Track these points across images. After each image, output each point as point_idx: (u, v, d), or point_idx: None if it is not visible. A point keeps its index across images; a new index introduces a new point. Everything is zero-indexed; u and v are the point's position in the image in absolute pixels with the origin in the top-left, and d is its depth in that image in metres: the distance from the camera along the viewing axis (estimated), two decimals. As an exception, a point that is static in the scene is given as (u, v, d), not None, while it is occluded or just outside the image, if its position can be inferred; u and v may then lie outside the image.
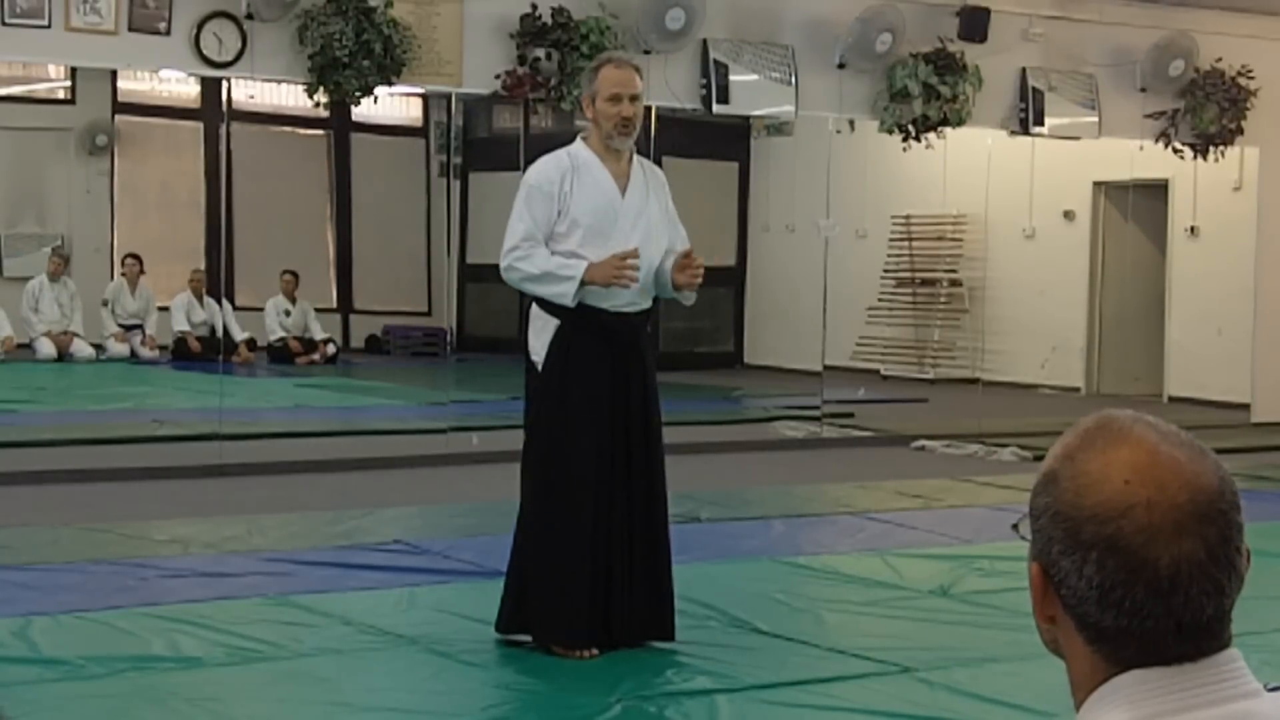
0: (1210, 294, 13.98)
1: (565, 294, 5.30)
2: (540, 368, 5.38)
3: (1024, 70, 11.62)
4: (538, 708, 4.83)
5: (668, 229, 5.55)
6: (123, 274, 15.94)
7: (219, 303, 15.00)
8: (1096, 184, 14.69)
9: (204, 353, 14.87)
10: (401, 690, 4.88)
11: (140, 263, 15.88)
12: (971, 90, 11.22)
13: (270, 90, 15.05)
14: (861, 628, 5.80)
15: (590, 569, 5.26)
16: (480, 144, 17.57)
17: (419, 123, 18.41)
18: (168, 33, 9.17)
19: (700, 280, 5.44)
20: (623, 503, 5.32)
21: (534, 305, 5.46)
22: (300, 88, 9.62)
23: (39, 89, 16.61)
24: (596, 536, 5.27)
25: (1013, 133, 11.89)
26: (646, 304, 5.48)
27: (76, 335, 15.53)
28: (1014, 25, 11.55)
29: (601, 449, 5.30)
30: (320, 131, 17.53)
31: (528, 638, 5.38)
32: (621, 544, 5.31)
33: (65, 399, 13.46)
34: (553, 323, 5.37)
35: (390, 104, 17.45)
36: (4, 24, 8.79)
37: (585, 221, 5.35)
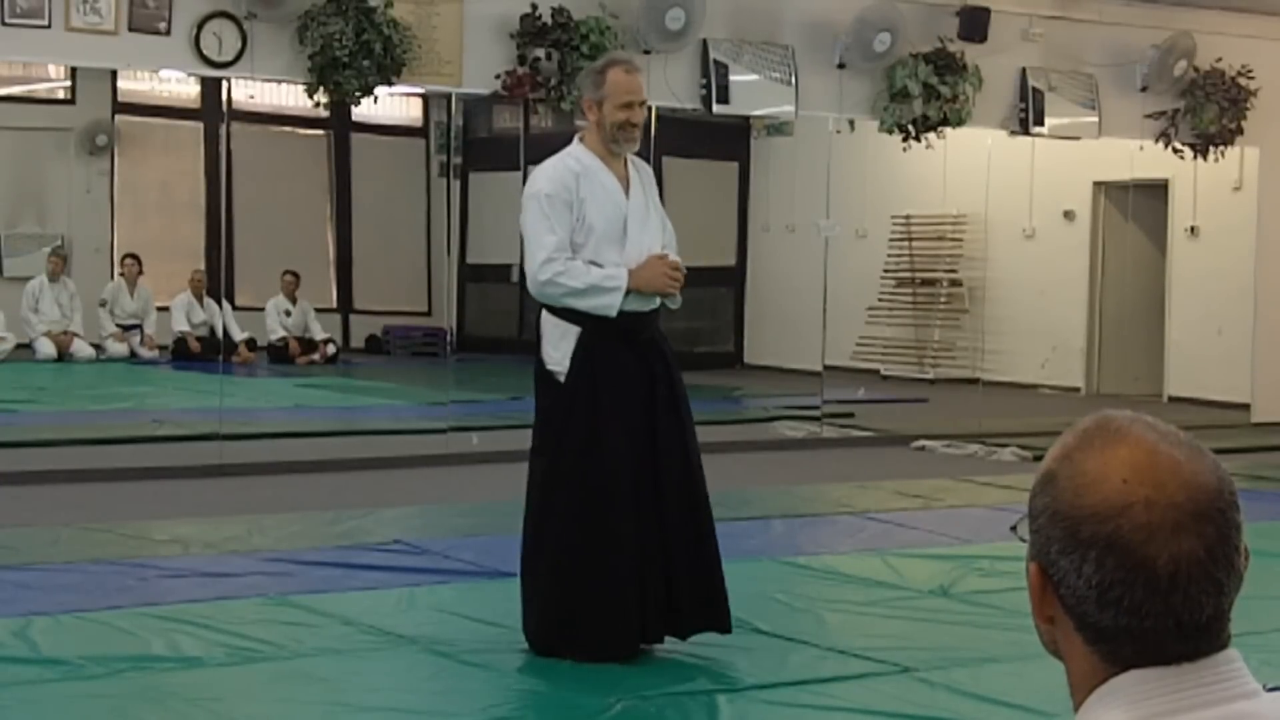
0: (1210, 294, 13.98)
1: (611, 306, 5.18)
2: (564, 378, 5.22)
3: (1024, 70, 11.61)
4: (538, 708, 4.83)
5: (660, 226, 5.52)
6: (121, 274, 15.95)
7: (219, 303, 15.00)
8: (1096, 184, 14.68)
9: (204, 353, 14.87)
10: (401, 690, 4.88)
11: (139, 263, 15.90)
12: (971, 90, 11.22)
13: (270, 90, 15.05)
14: (861, 628, 5.79)
15: (637, 582, 5.13)
16: (480, 144, 17.57)
17: (419, 123, 18.41)
18: (168, 33, 9.17)
19: (680, 284, 5.36)
20: (656, 506, 5.19)
21: (545, 312, 5.32)
22: (300, 88, 9.62)
23: (39, 89, 16.61)
24: (638, 546, 5.14)
25: (1013, 133, 11.89)
26: (656, 303, 5.42)
27: (76, 335, 15.54)
28: (1014, 25, 11.55)
29: (638, 455, 5.17)
30: (320, 131, 17.53)
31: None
32: (662, 549, 5.18)
33: (65, 399, 13.45)
34: (572, 330, 5.23)
35: (390, 104, 17.44)
36: (4, 24, 8.79)
37: (600, 227, 5.26)
